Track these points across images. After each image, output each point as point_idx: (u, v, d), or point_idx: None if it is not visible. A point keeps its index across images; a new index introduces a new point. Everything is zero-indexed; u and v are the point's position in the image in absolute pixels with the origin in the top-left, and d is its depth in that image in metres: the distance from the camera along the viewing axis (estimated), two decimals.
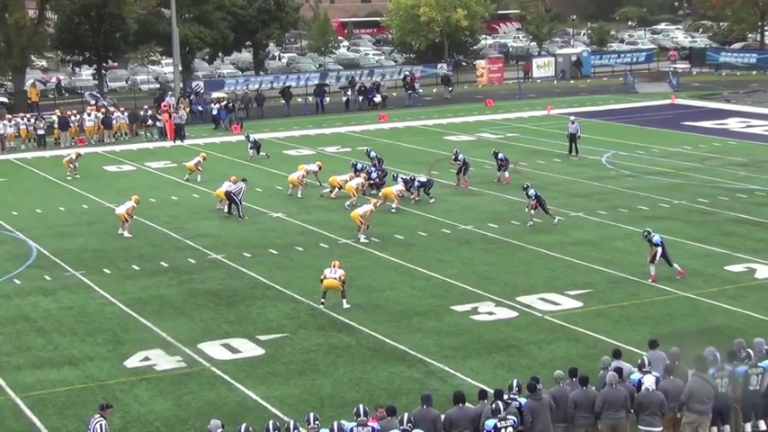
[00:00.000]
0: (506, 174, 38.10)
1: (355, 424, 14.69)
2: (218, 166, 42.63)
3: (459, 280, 26.00)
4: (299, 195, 36.58)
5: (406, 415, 14.87)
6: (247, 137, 46.12)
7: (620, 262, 27.04)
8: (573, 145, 43.55)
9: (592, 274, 26.24)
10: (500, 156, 38.30)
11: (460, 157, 37.94)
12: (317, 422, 14.66)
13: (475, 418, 15.23)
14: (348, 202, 34.28)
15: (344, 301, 24.00)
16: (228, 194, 33.93)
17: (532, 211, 31.17)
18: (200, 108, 58.06)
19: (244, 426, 14.62)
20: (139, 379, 20.02)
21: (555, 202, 34.47)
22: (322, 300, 24.09)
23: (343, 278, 23.90)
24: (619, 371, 16.13)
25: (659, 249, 25.24)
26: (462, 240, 30.11)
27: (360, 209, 30.44)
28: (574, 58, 78.07)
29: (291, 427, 14.52)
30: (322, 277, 24.08)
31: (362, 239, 29.90)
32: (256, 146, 44.89)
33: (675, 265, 25.48)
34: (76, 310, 24.62)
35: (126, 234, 31.45)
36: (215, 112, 56.05)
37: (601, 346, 20.48)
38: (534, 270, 26.80)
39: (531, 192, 31.20)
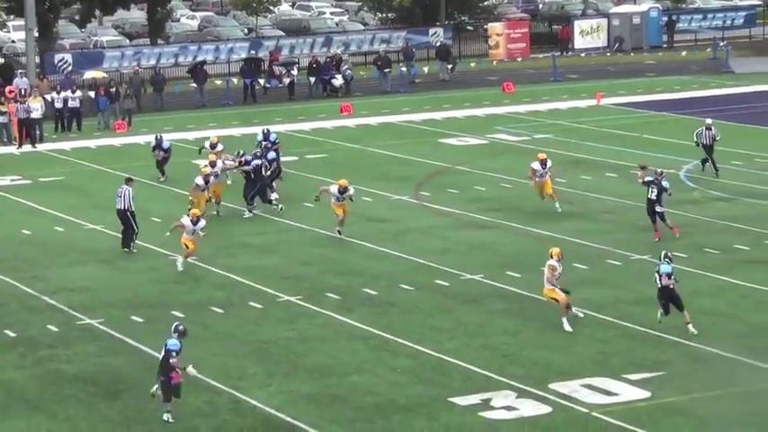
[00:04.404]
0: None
1: None
2: (92, 183, 42.49)
3: (462, 358, 25.99)
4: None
5: None
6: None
7: (707, 330, 27.08)
8: (710, 159, 42.30)
9: (664, 347, 26.30)
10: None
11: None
12: None
13: None
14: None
15: None
16: (124, 214, 34.12)
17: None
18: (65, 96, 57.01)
19: None
20: None
21: (609, 238, 34.51)
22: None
23: None
24: None
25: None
26: (468, 297, 30.16)
27: (548, 282, 27.78)
28: (664, 19, 78.50)
29: None
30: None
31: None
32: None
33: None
34: None
35: None
36: (58, 105, 55.14)
37: None
38: (577, 342, 26.83)
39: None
